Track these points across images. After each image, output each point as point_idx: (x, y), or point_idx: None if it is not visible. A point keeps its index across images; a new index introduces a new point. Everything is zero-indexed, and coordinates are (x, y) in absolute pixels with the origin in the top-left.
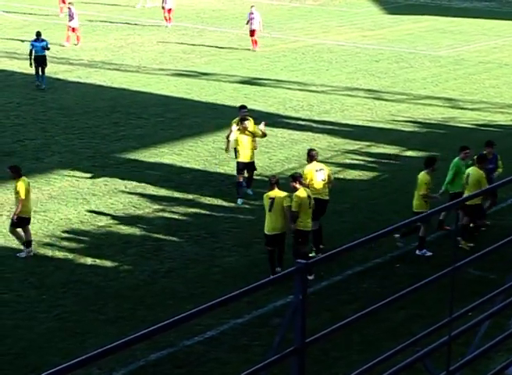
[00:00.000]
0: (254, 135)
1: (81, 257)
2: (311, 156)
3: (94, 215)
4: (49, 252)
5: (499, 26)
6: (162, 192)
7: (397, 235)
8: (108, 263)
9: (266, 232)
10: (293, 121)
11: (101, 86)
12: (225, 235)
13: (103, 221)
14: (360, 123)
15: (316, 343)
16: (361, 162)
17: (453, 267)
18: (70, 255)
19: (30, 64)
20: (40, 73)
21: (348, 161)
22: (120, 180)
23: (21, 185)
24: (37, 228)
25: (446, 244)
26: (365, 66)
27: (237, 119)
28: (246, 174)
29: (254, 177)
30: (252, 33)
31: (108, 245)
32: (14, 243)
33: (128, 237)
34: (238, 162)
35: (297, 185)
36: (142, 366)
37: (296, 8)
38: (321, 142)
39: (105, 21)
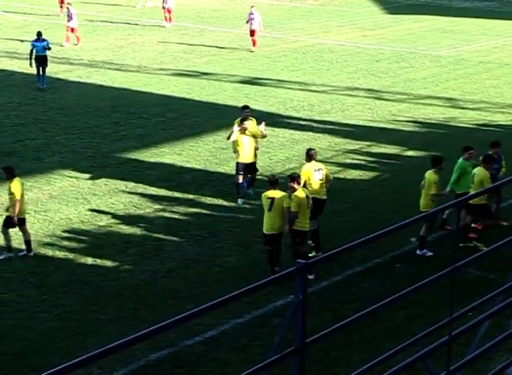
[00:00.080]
0: (254, 136)
1: (82, 257)
2: (309, 156)
3: (95, 215)
4: (50, 252)
5: (499, 26)
6: (163, 192)
7: (413, 239)
8: (108, 263)
9: (264, 231)
10: (294, 121)
11: (101, 86)
12: (225, 235)
13: (103, 221)
14: (360, 122)
15: (316, 343)
16: (362, 162)
17: (453, 267)
18: (71, 255)
19: (30, 64)
20: (40, 72)
21: (349, 161)
22: (121, 180)
23: (15, 186)
24: (38, 228)
25: (446, 244)
26: (366, 66)
27: (239, 119)
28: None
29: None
30: (252, 33)
31: (108, 245)
32: (14, 242)
33: (129, 236)
34: (238, 163)
35: (295, 185)
36: (142, 365)
37: (296, 8)
38: (322, 142)
39: (106, 21)
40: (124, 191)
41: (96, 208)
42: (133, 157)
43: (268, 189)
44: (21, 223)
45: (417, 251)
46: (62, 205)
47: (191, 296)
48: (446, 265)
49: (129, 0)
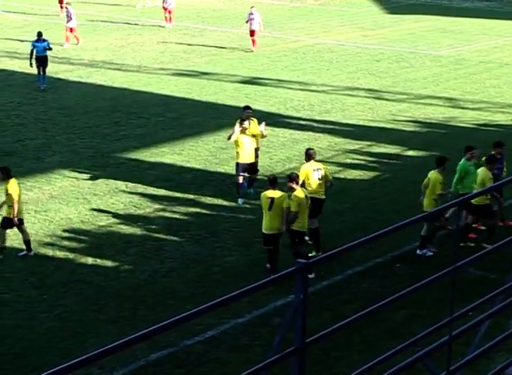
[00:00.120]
0: (253, 135)
1: (82, 257)
2: (308, 155)
3: (95, 214)
4: (50, 252)
5: (499, 25)
6: (163, 192)
7: (430, 249)
8: (108, 263)
9: (264, 231)
10: (294, 121)
11: (101, 86)
12: (225, 235)
13: (104, 221)
14: (360, 122)
15: (316, 343)
16: (362, 162)
17: (453, 267)
18: (71, 255)
19: (31, 64)
20: (41, 73)
21: (349, 160)
22: (121, 180)
23: (12, 186)
24: (38, 228)
25: (446, 243)
26: (366, 66)
27: (239, 119)
28: (247, 174)
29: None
30: (252, 33)
31: (108, 245)
32: (14, 242)
33: (129, 236)
34: (237, 163)
35: (294, 185)
36: (142, 365)
37: (296, 7)
38: (322, 142)
39: (106, 21)
40: (124, 191)
41: (96, 208)
42: (133, 157)
43: (267, 189)
44: (19, 222)
45: (418, 251)
46: (63, 204)
47: (191, 296)
48: (446, 264)
49: (130, 0)
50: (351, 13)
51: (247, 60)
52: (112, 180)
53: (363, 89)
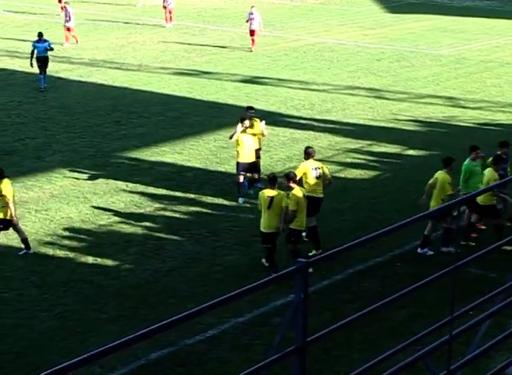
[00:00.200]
0: (254, 134)
1: (82, 256)
2: (307, 154)
3: (96, 214)
4: (50, 251)
5: (500, 25)
6: (163, 191)
7: (447, 248)
8: (109, 262)
9: (262, 229)
10: (295, 120)
11: (102, 85)
12: (226, 234)
13: (104, 220)
14: (361, 121)
15: (317, 342)
16: (362, 161)
17: (454, 266)
18: (71, 254)
19: (31, 64)
20: (42, 73)
21: (349, 160)
22: (121, 179)
23: (6, 187)
24: (39, 227)
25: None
26: (366, 65)
27: (240, 118)
28: (249, 174)
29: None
30: (252, 33)
31: (109, 244)
32: (15, 241)
33: (129, 235)
34: (238, 163)
35: (292, 184)
36: (143, 364)
37: (297, 7)
38: (323, 141)
39: (107, 20)
40: (125, 190)
41: (97, 207)
42: (133, 156)
43: (266, 187)
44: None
45: (419, 250)
46: (63, 203)
47: (192, 295)
48: (446, 264)
49: None
50: (352, 12)
51: (248, 59)
52: (113, 180)
53: (363, 88)
